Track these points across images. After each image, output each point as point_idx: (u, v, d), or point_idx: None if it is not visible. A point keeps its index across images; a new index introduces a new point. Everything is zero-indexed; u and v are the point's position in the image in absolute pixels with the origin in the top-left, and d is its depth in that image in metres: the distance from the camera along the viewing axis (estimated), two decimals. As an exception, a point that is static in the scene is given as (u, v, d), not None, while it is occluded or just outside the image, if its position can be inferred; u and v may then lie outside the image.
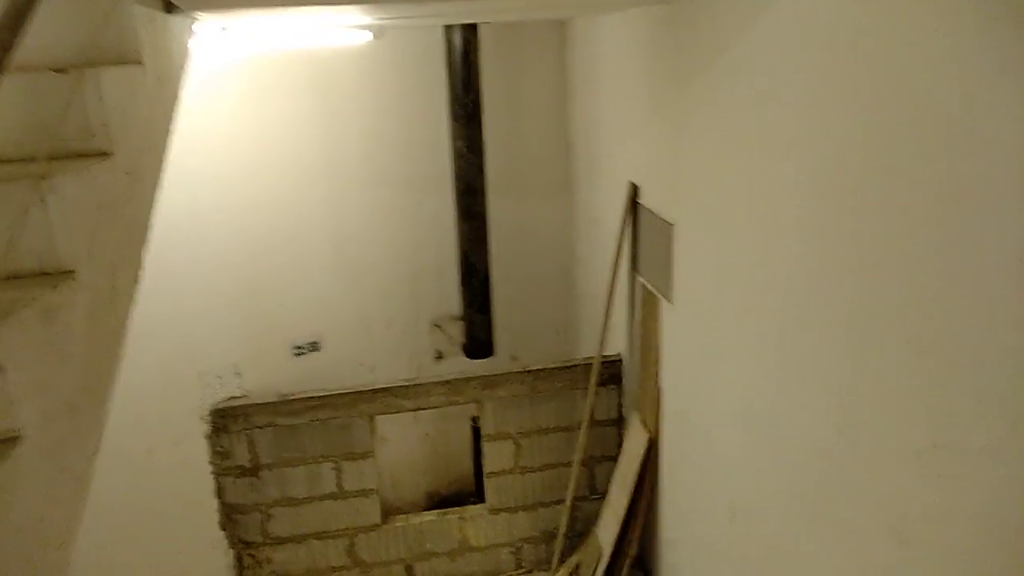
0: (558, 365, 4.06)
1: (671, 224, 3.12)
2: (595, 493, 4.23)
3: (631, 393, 3.97)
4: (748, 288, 2.45)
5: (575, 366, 4.06)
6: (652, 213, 3.37)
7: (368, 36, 2.87)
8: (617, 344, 4.05)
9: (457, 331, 4.86)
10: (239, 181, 3.83)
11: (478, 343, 4.44)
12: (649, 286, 3.49)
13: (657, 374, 3.47)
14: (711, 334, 2.84)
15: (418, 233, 4.60)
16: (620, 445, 4.19)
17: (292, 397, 3.84)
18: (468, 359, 4.48)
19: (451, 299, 4.70)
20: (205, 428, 3.82)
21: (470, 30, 3.95)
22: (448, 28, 3.98)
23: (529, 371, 4.02)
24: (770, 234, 2.26)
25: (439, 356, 4.82)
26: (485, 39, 4.08)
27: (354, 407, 3.89)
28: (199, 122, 3.58)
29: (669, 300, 3.22)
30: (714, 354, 2.83)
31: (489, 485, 4.16)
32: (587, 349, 4.51)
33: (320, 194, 4.18)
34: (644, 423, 3.64)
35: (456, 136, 4.11)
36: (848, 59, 1.78)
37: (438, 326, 4.80)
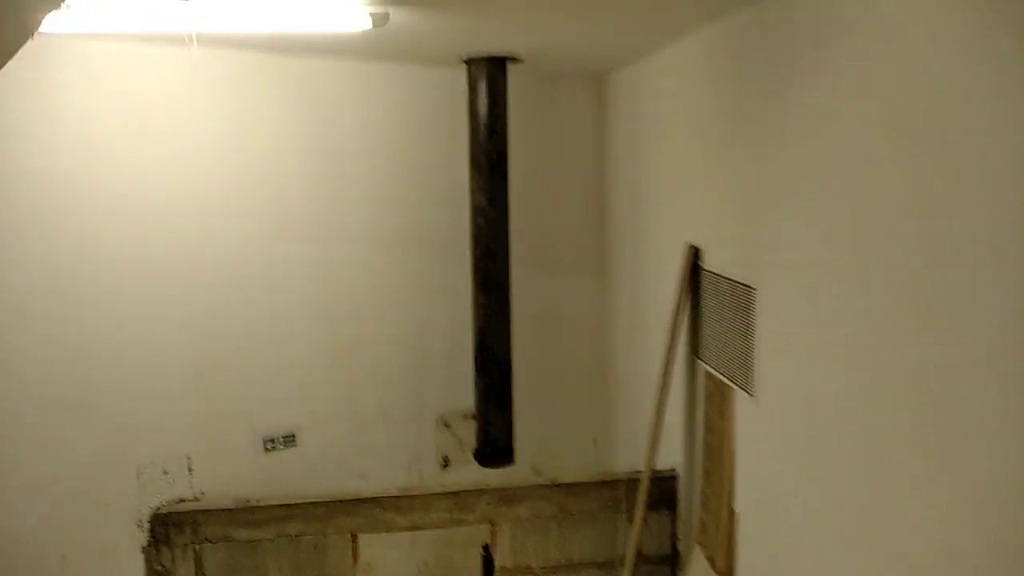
0: (596, 479, 3.28)
1: (752, 288, 2.44)
2: (640, 654, 3.31)
3: (690, 520, 3.14)
4: (864, 376, 1.74)
5: (617, 481, 3.27)
6: (722, 278, 2.70)
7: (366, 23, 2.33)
8: (671, 456, 3.27)
9: (469, 432, 4.10)
10: (200, 224, 3.27)
11: (494, 447, 3.67)
12: (718, 374, 2.76)
13: (730, 493, 2.68)
14: (809, 436, 2.10)
15: (425, 306, 3.95)
16: (674, 590, 3.31)
17: (254, 504, 3.09)
18: (481, 468, 3.70)
19: (463, 391, 3.97)
20: (142, 538, 3.06)
21: (497, 66, 3.47)
22: (471, 64, 3.51)
23: (558, 485, 3.24)
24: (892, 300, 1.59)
25: (446, 464, 4.05)
26: (514, 84, 3.59)
27: (332, 521, 3.12)
28: (147, 145, 3.07)
29: (748, 391, 2.49)
30: (813, 464, 2.07)
31: (501, 636, 3.27)
32: (627, 462, 3.72)
33: (305, 250, 3.57)
34: (711, 560, 2.80)
35: (476, 189, 3.55)
36: None
37: (447, 424, 4.05)
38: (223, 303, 3.34)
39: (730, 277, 2.63)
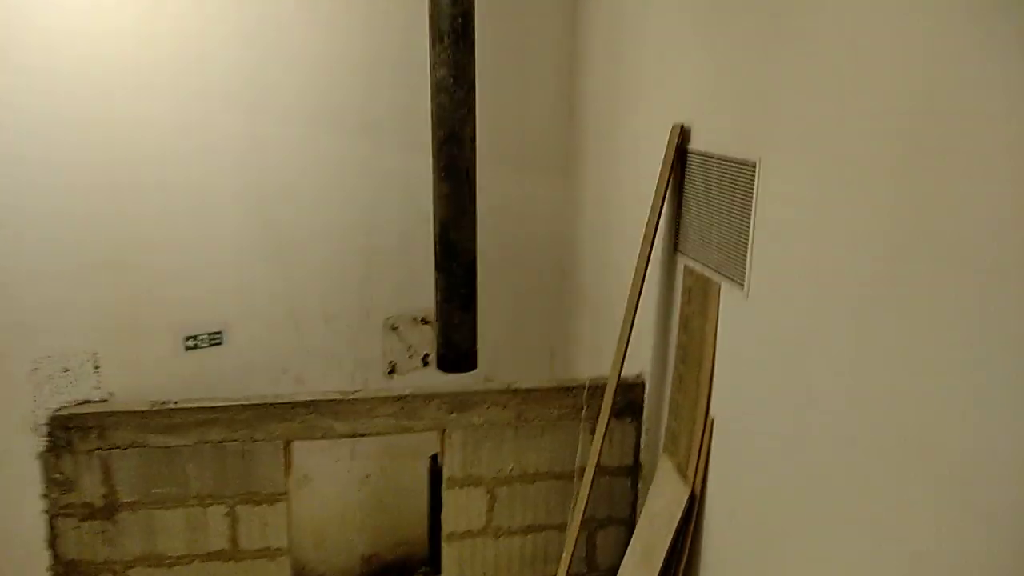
0: (557, 385, 3.02)
1: (751, 165, 2.15)
2: (595, 570, 3.15)
3: (656, 430, 2.94)
4: (880, 265, 1.46)
5: (579, 387, 3.02)
6: (714, 159, 2.40)
7: None
8: (637, 363, 3.04)
9: (420, 338, 3.80)
10: (111, 90, 2.79)
11: (457, 352, 3.36)
12: (702, 268, 2.49)
13: (707, 397, 2.45)
14: (805, 336, 1.86)
15: (375, 196, 3.55)
16: (635, 502, 3.13)
17: (172, 406, 2.74)
18: (442, 373, 3.41)
19: (414, 293, 3.65)
20: (38, 444, 2.70)
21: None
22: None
23: (515, 391, 2.98)
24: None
25: (392, 371, 3.75)
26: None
27: (261, 427, 2.80)
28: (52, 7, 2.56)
29: (738, 283, 2.22)
30: (808, 367, 1.84)
31: (449, 552, 3.05)
32: (586, 375, 3.48)
33: (236, 126, 3.12)
34: (680, 471, 2.59)
35: (438, 62, 3.13)
36: None
37: (395, 328, 3.73)
38: (136, 175, 2.89)
39: (724, 155, 2.33)
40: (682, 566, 2.51)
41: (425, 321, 3.76)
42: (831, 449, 1.77)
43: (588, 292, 3.83)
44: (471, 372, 3.46)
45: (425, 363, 3.80)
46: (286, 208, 3.30)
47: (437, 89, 3.18)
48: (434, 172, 3.26)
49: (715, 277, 2.40)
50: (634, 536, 2.78)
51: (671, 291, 2.79)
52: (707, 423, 2.47)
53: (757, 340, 2.15)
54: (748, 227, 2.17)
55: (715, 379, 2.43)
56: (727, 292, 2.33)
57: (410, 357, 3.77)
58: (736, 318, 2.28)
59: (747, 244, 2.18)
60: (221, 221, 3.14)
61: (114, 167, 2.84)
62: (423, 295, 3.57)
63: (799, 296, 1.92)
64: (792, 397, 1.96)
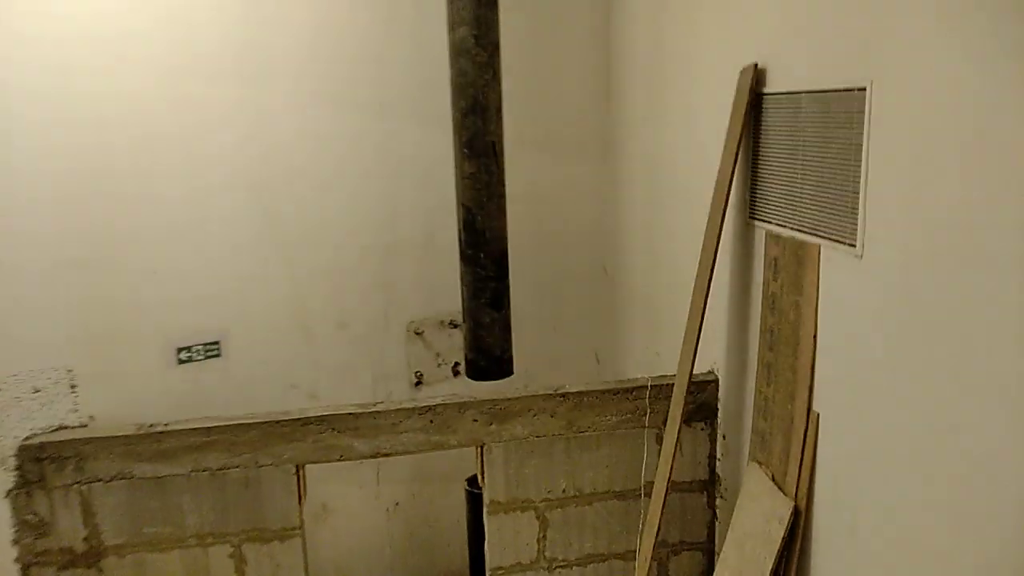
0: (613, 388, 2.59)
1: (858, 90, 1.73)
2: (669, 605, 2.69)
3: (737, 435, 2.50)
4: None
5: (640, 389, 2.59)
6: (806, 95, 1.97)
7: None
8: (707, 357, 2.60)
9: (449, 344, 3.39)
10: (85, 60, 2.44)
11: (489, 357, 2.95)
12: (793, 233, 2.06)
13: (808, 390, 2.02)
14: (941, 297, 1.44)
15: (392, 183, 3.16)
16: (712, 523, 2.68)
17: (161, 429, 2.35)
18: (466, 385, 2.99)
19: (440, 293, 3.25)
20: (6, 480, 2.31)
21: None
22: None
23: (564, 395, 2.55)
24: None
25: (418, 382, 3.34)
26: None
27: (268, 449, 2.39)
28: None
29: (848, 243, 1.80)
30: (955, 341, 1.41)
31: (495, 589, 2.62)
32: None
33: (231, 103, 2.75)
34: (777, 480, 2.15)
35: (457, 21, 2.75)
36: None
37: (419, 334, 3.32)
38: (117, 160, 2.53)
39: (819, 88, 1.91)
40: (786, 599, 2.05)
41: (454, 325, 3.35)
42: (987, 448, 1.33)
43: (637, 286, 3.40)
44: (506, 379, 3.05)
45: (456, 372, 3.39)
46: (291, 197, 2.92)
47: (457, 52, 2.81)
48: (456, 149, 2.87)
49: (812, 240, 1.98)
50: (719, 564, 2.33)
51: (748, 267, 2.36)
52: (809, 420, 2.03)
53: (876, 311, 1.71)
54: (858, 170, 1.75)
55: (817, 366, 2.00)
56: (830, 256, 1.90)
57: (439, 367, 3.36)
58: (844, 287, 1.85)
59: (858, 192, 1.75)
60: (216, 213, 2.76)
61: (90, 150, 2.48)
62: (450, 295, 3.17)
63: (936, 248, 1.48)
64: (929, 382, 1.51)
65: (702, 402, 2.61)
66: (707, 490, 2.67)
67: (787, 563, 2.07)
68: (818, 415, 2.00)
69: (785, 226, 2.11)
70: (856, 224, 1.77)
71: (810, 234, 1.98)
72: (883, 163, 1.66)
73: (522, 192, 3.17)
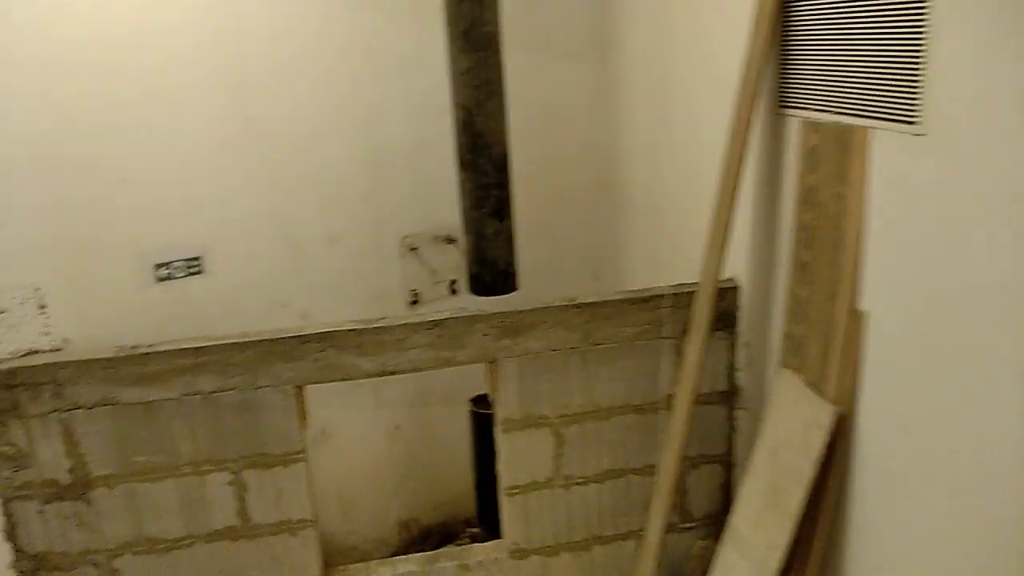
0: (630, 297, 2.45)
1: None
2: (688, 519, 2.62)
3: (761, 343, 2.38)
4: None
5: (657, 297, 2.45)
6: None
7: None
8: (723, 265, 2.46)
9: (445, 260, 3.21)
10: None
11: (494, 270, 2.78)
12: (833, 117, 1.90)
13: (852, 287, 1.88)
14: None
15: (383, 82, 2.91)
16: (731, 435, 2.60)
17: (147, 350, 2.16)
18: (471, 299, 2.83)
19: (435, 205, 3.05)
20: (-23, 411, 2.12)
21: None
22: None
23: (580, 306, 2.40)
24: None
25: (415, 301, 3.17)
26: None
27: (265, 370, 2.23)
28: None
29: (906, 120, 1.63)
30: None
31: (511, 508, 2.52)
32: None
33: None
34: (815, 385, 2.04)
35: None
36: None
37: (414, 249, 3.14)
38: (77, 55, 2.26)
39: (875, -56, 1.71)
40: (829, 508, 1.97)
41: (450, 240, 3.17)
42: None
43: (638, 195, 3.23)
44: (511, 296, 2.89)
45: (454, 291, 3.22)
46: (272, 99, 2.67)
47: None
48: (450, 41, 2.63)
49: (859, 123, 1.81)
50: (749, 476, 2.24)
51: (776, 162, 2.20)
52: (855, 320, 1.90)
53: (944, 193, 1.56)
54: (919, 33, 1.57)
55: (863, 261, 1.86)
56: (884, 139, 1.74)
57: (435, 285, 3.19)
58: (900, 171, 1.70)
59: (919, 58, 1.58)
60: (191, 117, 2.51)
61: (51, 44, 2.20)
62: (446, 208, 2.97)
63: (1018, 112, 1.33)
64: (995, 269, 1.38)
65: (722, 310, 2.48)
66: (727, 401, 2.58)
67: (828, 471, 1.98)
68: (864, 314, 1.88)
69: (826, 111, 1.94)
70: (917, 97, 1.60)
71: (857, 116, 1.81)
72: (953, 19, 1.49)
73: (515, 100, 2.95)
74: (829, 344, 1.99)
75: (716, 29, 2.41)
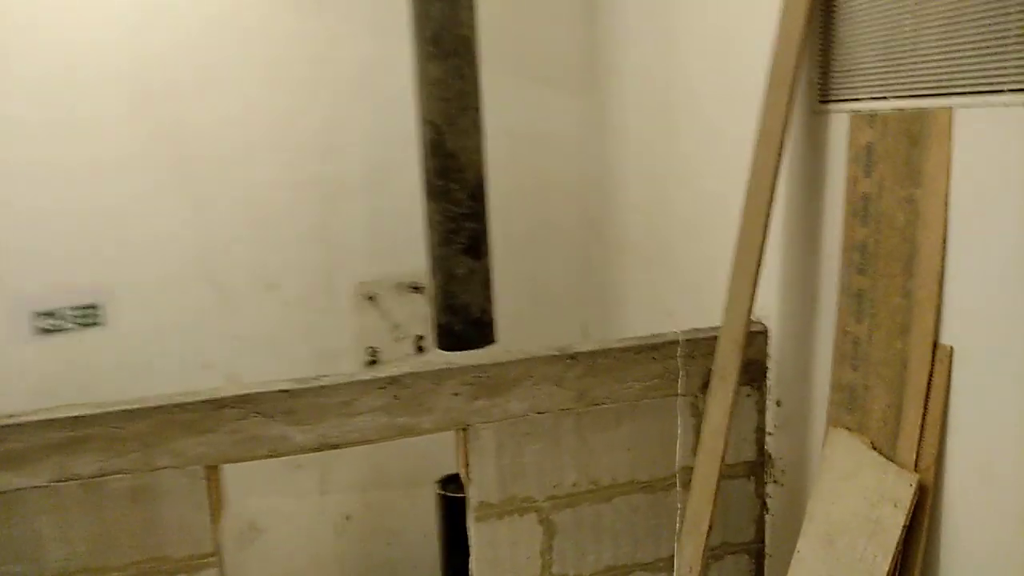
0: (635, 344, 1.99)
1: None
2: (715, 628, 2.10)
3: (800, 398, 1.93)
4: None
5: (671, 345, 2.00)
6: None
7: None
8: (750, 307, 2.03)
9: (411, 312, 2.73)
10: None
11: (465, 318, 2.31)
12: (899, 103, 1.51)
13: (932, 318, 1.46)
14: None
15: (335, 98, 2.49)
16: (761, 519, 2.11)
17: (7, 421, 1.64)
18: (444, 353, 2.35)
19: (398, 246, 2.59)
20: None
21: None
22: None
23: (573, 356, 1.94)
24: None
25: (372, 360, 2.67)
26: None
27: (166, 444, 1.71)
28: None
29: (1015, 89, 1.24)
30: None
31: (488, 621, 1.98)
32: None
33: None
34: (881, 448, 1.58)
35: None
36: None
37: (371, 298, 2.66)
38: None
39: None
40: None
41: (416, 288, 2.70)
42: None
43: (636, 231, 2.83)
44: (487, 350, 2.43)
45: (420, 348, 2.74)
46: (198, 113, 2.22)
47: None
48: (417, 46, 2.23)
49: (937, 105, 1.42)
50: (794, 567, 1.74)
51: (817, 170, 1.81)
52: (936, 359, 1.47)
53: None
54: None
55: (948, 282, 1.44)
56: (976, 119, 1.35)
57: (398, 341, 2.70)
58: (1000, 161, 1.30)
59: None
60: (93, 126, 2.05)
61: None
62: (410, 248, 2.52)
63: None
64: None
65: (747, 360, 2.03)
66: (754, 474, 2.10)
67: (909, 562, 1.50)
68: (951, 350, 1.44)
69: (888, 96, 1.55)
70: (1028, 57, 1.22)
71: (934, 95, 1.43)
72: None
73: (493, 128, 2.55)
74: (902, 392, 1.55)
75: (734, 22, 2.06)
